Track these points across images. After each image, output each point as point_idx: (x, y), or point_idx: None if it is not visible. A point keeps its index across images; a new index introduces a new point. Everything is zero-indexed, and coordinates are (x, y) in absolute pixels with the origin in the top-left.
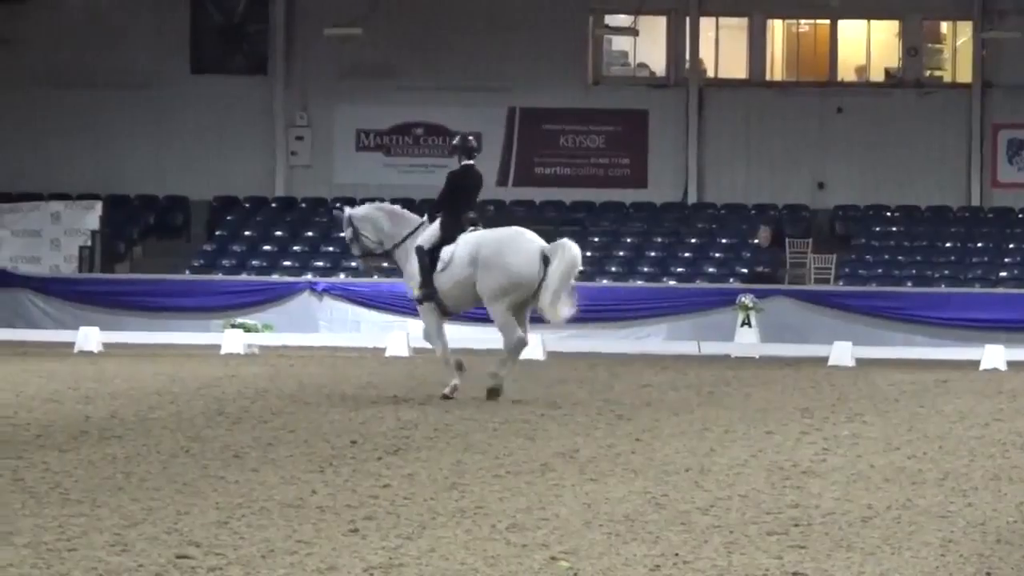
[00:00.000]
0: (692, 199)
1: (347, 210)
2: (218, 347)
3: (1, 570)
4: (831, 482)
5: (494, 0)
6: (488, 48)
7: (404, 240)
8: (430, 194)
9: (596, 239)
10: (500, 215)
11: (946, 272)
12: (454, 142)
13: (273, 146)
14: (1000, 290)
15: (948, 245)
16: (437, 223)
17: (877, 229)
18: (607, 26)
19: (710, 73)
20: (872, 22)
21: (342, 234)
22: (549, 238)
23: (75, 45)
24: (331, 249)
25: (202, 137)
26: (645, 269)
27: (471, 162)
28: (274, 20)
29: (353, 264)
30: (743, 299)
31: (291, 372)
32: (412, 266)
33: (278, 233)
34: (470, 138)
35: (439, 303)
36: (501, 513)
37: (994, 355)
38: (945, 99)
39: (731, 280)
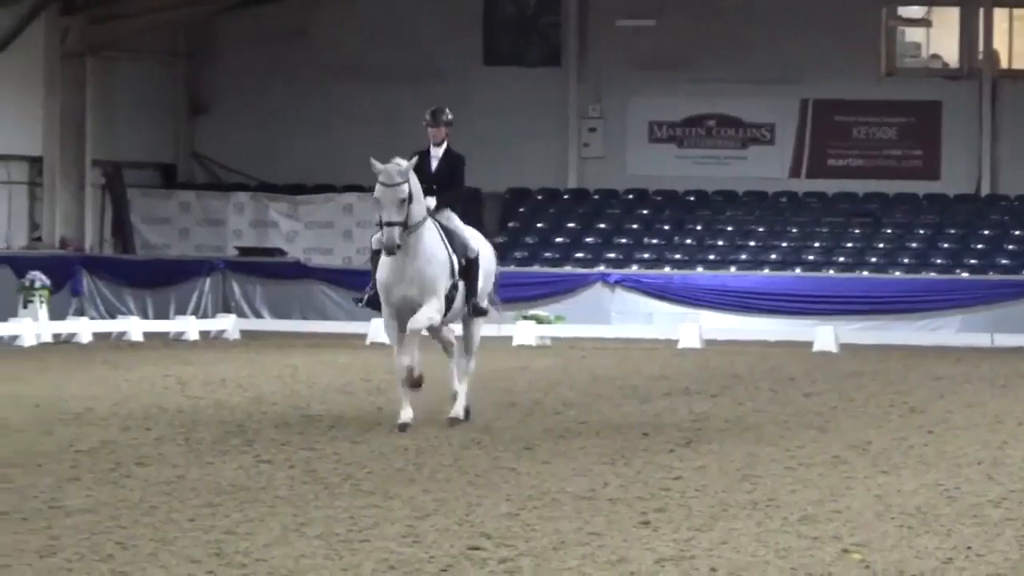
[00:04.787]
0: (985, 191)
1: (404, 163)
2: (510, 339)
3: (293, 561)
4: None
5: None
6: (781, 39)
7: (420, 225)
8: (723, 186)
9: (889, 231)
10: (794, 207)
11: None
12: (448, 117)
13: (566, 138)
14: None
15: None
16: (453, 216)
17: None
18: (900, 17)
19: (1003, 64)
20: None
21: (385, 184)
22: (841, 230)
23: (369, 38)
24: (624, 241)
25: (495, 129)
26: (938, 261)
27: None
28: (567, 12)
29: (631, 255)
30: None
31: (583, 364)
32: (439, 255)
33: (570, 225)
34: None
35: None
36: (793, 505)
37: None
38: None
39: None
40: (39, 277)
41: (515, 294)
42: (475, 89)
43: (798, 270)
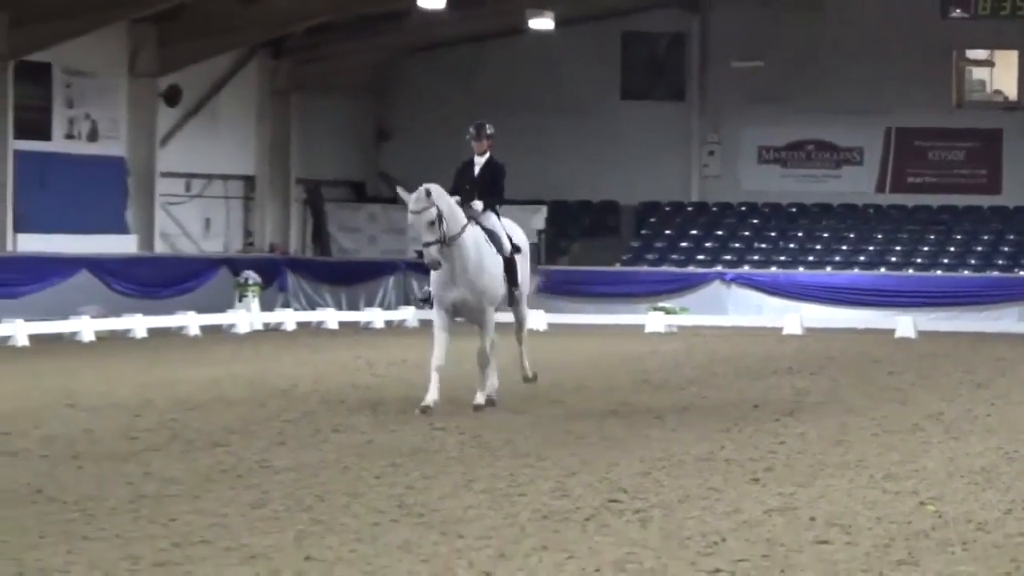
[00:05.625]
0: None
1: (431, 186)
2: (642, 326)
3: (463, 511)
4: None
5: (874, 38)
6: (868, 77)
7: (460, 235)
8: (820, 200)
9: (958, 237)
10: (880, 217)
11: None
12: (490, 132)
13: (689, 160)
14: None
15: None
16: (502, 221)
17: None
18: (968, 59)
19: None
20: None
21: (413, 212)
22: (918, 236)
23: (525, 77)
24: (737, 245)
25: (629, 152)
26: (1000, 262)
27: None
28: (690, 55)
29: (741, 259)
30: None
31: (704, 348)
32: (488, 263)
33: (693, 232)
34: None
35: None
36: (878, 465)
37: None
38: None
39: None
40: (252, 275)
41: (648, 289)
42: (614, 119)
43: (883, 269)
